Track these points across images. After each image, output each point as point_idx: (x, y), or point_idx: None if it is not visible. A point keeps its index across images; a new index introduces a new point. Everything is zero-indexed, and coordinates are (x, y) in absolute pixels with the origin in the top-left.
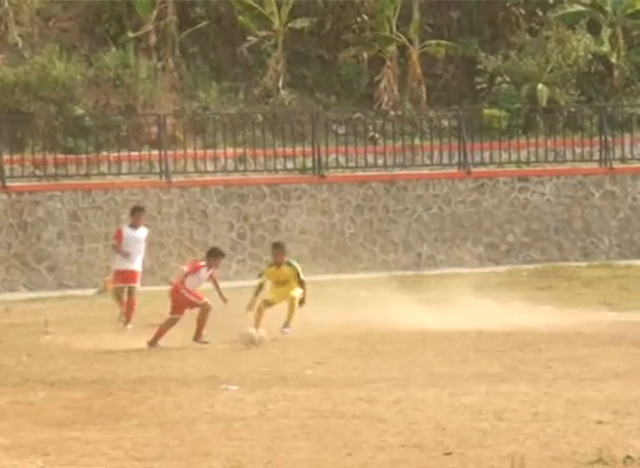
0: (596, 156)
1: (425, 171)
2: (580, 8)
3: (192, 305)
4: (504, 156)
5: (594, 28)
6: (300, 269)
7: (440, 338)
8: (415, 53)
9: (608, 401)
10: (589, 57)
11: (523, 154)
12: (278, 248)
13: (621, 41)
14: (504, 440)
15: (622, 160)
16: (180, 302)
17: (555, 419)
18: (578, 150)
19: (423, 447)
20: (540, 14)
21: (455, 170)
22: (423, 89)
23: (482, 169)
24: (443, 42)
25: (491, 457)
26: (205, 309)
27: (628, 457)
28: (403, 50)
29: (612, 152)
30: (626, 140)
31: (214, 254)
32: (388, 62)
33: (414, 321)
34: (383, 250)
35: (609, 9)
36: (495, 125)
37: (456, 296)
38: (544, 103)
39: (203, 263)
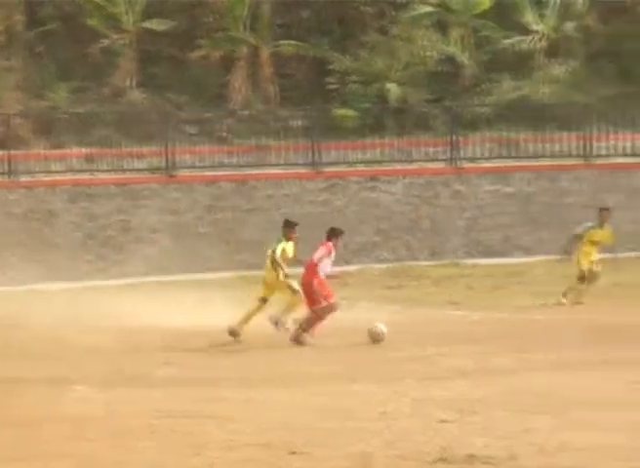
0: (445, 155)
1: (276, 170)
2: (430, 8)
3: (316, 302)
4: (355, 156)
5: (444, 28)
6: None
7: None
8: (265, 53)
9: (453, 400)
10: (438, 56)
11: (373, 154)
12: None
13: (470, 41)
14: (351, 439)
15: (471, 159)
16: (310, 294)
17: (401, 418)
18: (427, 150)
19: (271, 446)
20: (391, 14)
21: (305, 169)
22: (275, 89)
23: (333, 168)
24: (293, 42)
25: (337, 456)
26: (330, 308)
27: (470, 455)
28: (255, 50)
29: (460, 152)
30: (474, 140)
31: (336, 234)
32: (239, 62)
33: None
34: (234, 249)
35: (457, 9)
36: (345, 124)
37: None
38: (395, 103)
39: (331, 244)
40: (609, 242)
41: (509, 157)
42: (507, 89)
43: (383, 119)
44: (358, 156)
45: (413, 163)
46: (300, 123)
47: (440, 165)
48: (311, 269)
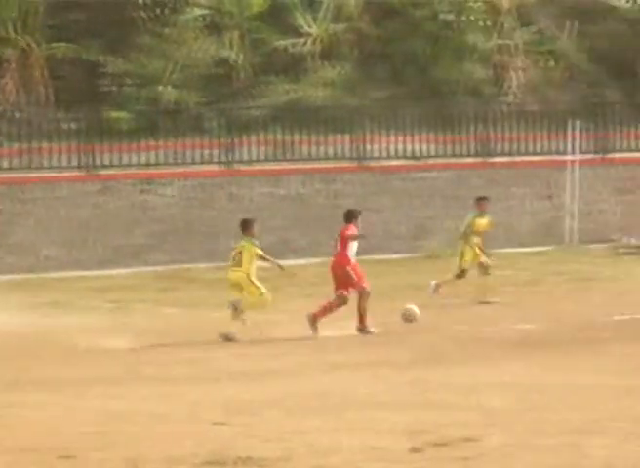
0: (220, 158)
1: (48, 173)
2: (204, 10)
3: (352, 286)
4: (129, 158)
5: (218, 31)
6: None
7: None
8: (37, 55)
9: (226, 402)
10: (212, 59)
11: (148, 156)
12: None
13: (244, 43)
14: (123, 442)
15: (245, 162)
16: (344, 279)
17: (174, 421)
18: (202, 152)
19: (40, 450)
20: (165, 16)
21: (78, 172)
22: (48, 91)
23: (106, 171)
24: (66, 44)
25: (108, 460)
26: (364, 296)
27: (241, 458)
28: (26, 52)
29: (235, 154)
30: (249, 142)
31: (355, 215)
32: (9, 65)
33: (33, 325)
34: (4, 253)
35: (231, 11)
36: (119, 127)
37: (78, 300)
38: (170, 105)
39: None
40: (488, 230)
41: (284, 160)
42: (281, 91)
43: (158, 121)
44: (132, 158)
45: (188, 165)
46: (72, 125)
47: (215, 167)
48: (342, 254)
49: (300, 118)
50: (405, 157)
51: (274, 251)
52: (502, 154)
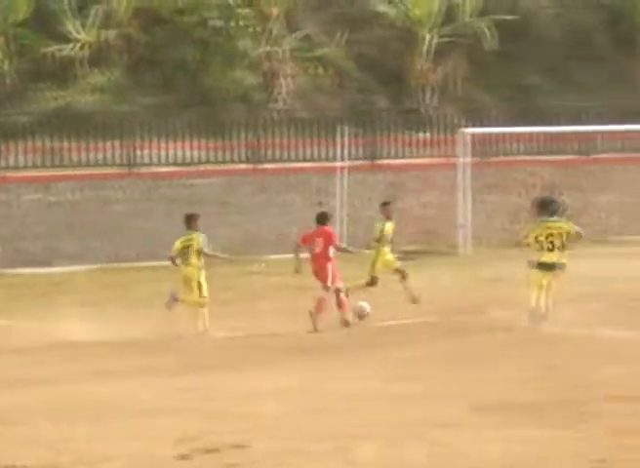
0: None
1: None
2: None
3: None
4: None
5: None
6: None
7: None
8: None
9: None
10: None
11: None
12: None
13: (10, 49)
14: None
15: (12, 168)
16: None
17: None
18: None
19: None
20: None
21: None
22: None
23: None
24: None
25: None
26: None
27: (7, 466)
28: None
29: (1, 160)
30: (16, 149)
31: (328, 218)
32: None
33: None
34: None
35: None
36: None
37: None
38: None
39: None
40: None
41: (53, 166)
42: (49, 97)
43: None
44: None
45: None
46: None
47: None
48: (324, 255)
49: (69, 124)
50: (175, 163)
51: (42, 257)
52: (273, 161)
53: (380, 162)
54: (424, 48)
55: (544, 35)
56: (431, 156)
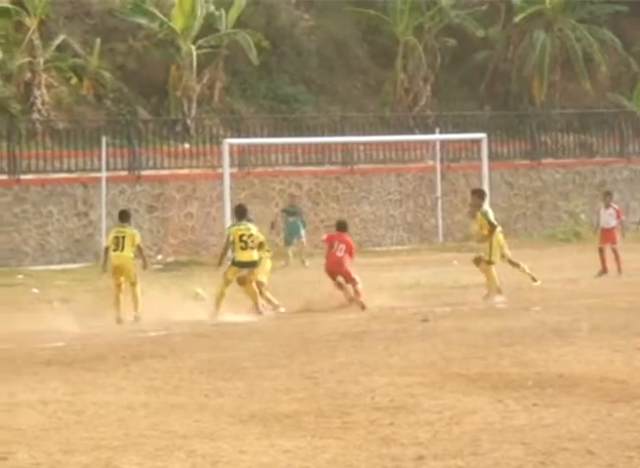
0: None
1: None
2: None
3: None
4: None
5: None
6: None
7: None
8: None
9: None
10: None
11: None
12: None
13: None
14: None
15: None
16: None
17: None
18: None
19: None
20: None
21: None
22: None
23: None
24: None
25: None
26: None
27: None
28: None
29: None
30: None
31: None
32: None
33: None
34: None
35: None
36: None
37: None
38: None
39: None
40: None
41: None
42: None
43: None
44: None
45: None
46: None
47: None
48: (344, 258)
49: None
50: None
51: None
52: (33, 171)
53: (142, 173)
54: (185, 59)
55: (302, 46)
56: (195, 167)
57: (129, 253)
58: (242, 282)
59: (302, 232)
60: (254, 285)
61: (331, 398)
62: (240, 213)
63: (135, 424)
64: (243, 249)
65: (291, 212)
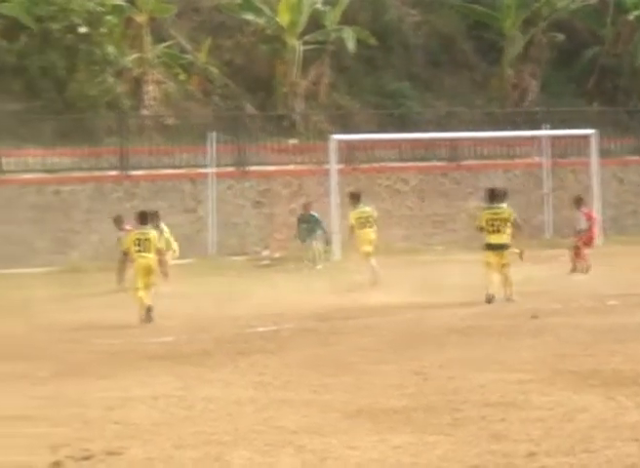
0: None
1: None
2: None
3: None
4: None
5: None
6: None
7: None
8: None
9: None
10: None
11: None
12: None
13: None
14: None
15: None
16: None
17: None
18: None
19: None
20: None
21: None
22: None
23: None
24: None
25: None
26: None
27: None
28: None
29: None
30: None
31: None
32: None
33: None
34: None
35: None
36: None
37: None
38: None
39: None
40: None
41: None
42: None
43: None
44: None
45: None
46: None
47: None
48: None
49: None
50: (43, 170)
51: None
52: (142, 167)
53: (249, 168)
54: (291, 55)
55: (409, 42)
56: (301, 163)
57: (152, 254)
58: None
59: (319, 235)
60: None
61: (440, 394)
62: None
63: (244, 419)
64: (493, 232)
65: (304, 219)
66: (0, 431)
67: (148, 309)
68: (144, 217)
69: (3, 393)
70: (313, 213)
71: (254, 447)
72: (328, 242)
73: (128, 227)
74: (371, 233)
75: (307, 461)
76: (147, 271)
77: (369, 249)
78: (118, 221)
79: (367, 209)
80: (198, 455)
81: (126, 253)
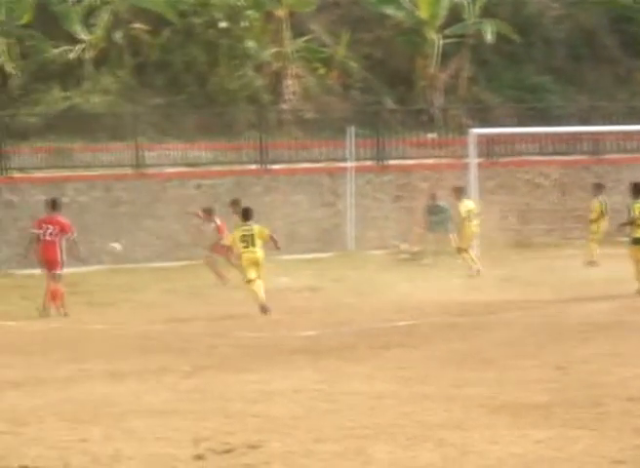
0: None
1: None
2: None
3: None
4: None
5: None
6: None
7: None
8: None
9: (5, 410)
10: None
11: None
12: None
13: (16, 51)
14: None
15: (21, 169)
16: None
17: None
18: None
19: None
20: None
21: None
22: None
23: None
24: None
25: None
26: None
27: (23, 466)
28: None
29: (10, 161)
30: (25, 150)
31: None
32: None
33: None
34: None
35: (1, 18)
36: None
37: None
38: None
39: None
40: None
41: (62, 167)
42: (57, 98)
43: None
44: None
45: None
46: None
47: None
48: None
49: (77, 125)
50: (184, 164)
51: None
52: (281, 161)
53: (387, 163)
54: (431, 49)
55: (550, 36)
56: (440, 156)
57: (259, 248)
58: None
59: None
60: None
61: (582, 388)
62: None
63: (385, 413)
64: None
65: (432, 210)
66: (147, 424)
67: (262, 303)
68: (248, 213)
69: (151, 387)
70: (441, 203)
71: (395, 441)
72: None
73: (218, 220)
74: (473, 227)
75: (448, 455)
76: (256, 264)
77: (468, 243)
78: (209, 212)
79: (470, 203)
80: (339, 449)
81: (229, 248)
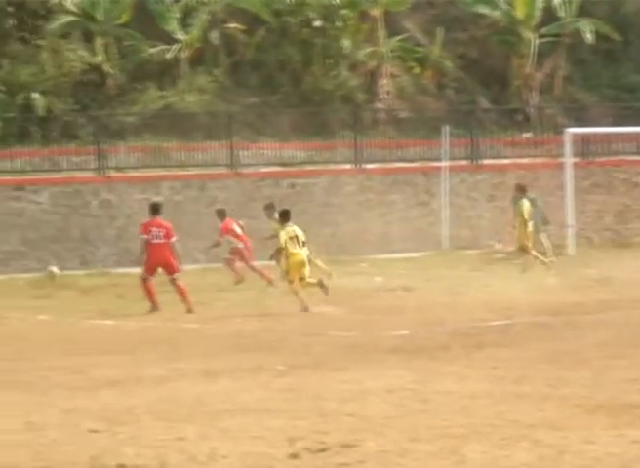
0: (92, 164)
1: None
2: (72, 17)
3: None
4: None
5: (89, 38)
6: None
7: None
8: None
9: (102, 409)
10: (83, 66)
11: (19, 163)
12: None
13: (114, 50)
14: None
15: (118, 168)
16: None
17: (49, 429)
18: (74, 159)
19: None
20: (36, 23)
21: None
22: None
23: None
24: None
25: None
26: None
27: (121, 465)
28: None
29: (107, 160)
30: (122, 149)
31: None
32: None
33: None
34: None
35: (100, 18)
36: None
37: None
38: (42, 112)
39: None
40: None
41: (158, 166)
42: (153, 98)
43: (29, 128)
44: (3, 165)
45: (60, 172)
46: None
47: (88, 174)
48: None
49: (172, 124)
50: (278, 163)
51: None
52: (375, 161)
53: (482, 162)
54: (526, 48)
55: None
56: (535, 156)
57: (304, 249)
58: None
59: (538, 220)
60: None
61: None
62: None
63: (479, 413)
64: None
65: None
66: (241, 423)
67: (304, 304)
68: (288, 215)
69: (245, 386)
70: (531, 195)
71: (489, 440)
72: (545, 222)
73: (225, 222)
74: (530, 226)
75: (544, 455)
76: (303, 265)
77: (527, 243)
78: (270, 209)
79: (527, 203)
80: (433, 449)
81: (282, 249)
